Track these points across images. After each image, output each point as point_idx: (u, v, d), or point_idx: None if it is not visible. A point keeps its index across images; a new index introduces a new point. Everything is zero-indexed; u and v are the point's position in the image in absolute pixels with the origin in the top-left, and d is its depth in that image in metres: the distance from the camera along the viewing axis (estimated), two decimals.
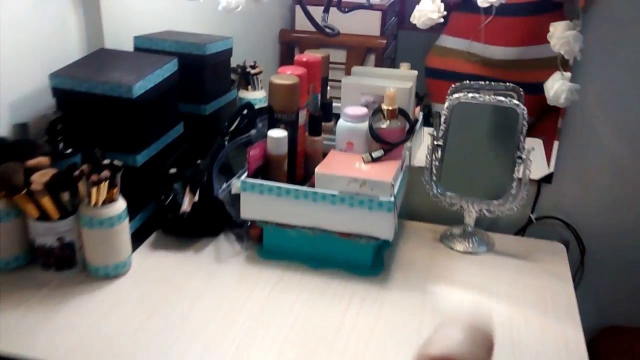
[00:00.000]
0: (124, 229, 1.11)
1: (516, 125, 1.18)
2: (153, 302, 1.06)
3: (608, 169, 1.34)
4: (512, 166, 1.20)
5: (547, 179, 1.35)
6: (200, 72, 1.37)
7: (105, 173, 1.05)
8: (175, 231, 1.27)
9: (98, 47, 1.33)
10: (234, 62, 1.50)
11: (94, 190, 1.05)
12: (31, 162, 1.08)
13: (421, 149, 1.39)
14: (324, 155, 1.24)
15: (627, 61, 1.24)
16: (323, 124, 1.29)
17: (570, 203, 1.38)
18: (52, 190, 1.06)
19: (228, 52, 1.46)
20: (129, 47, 1.36)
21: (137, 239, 1.23)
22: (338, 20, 1.36)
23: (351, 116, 1.22)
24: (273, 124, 1.21)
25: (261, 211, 1.17)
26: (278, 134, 1.18)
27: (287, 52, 1.59)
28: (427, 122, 1.44)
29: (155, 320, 1.02)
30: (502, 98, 1.18)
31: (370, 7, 1.47)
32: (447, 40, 1.43)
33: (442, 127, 1.23)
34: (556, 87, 1.18)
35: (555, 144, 1.33)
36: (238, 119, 1.34)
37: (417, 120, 1.29)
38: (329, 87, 1.43)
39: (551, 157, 1.34)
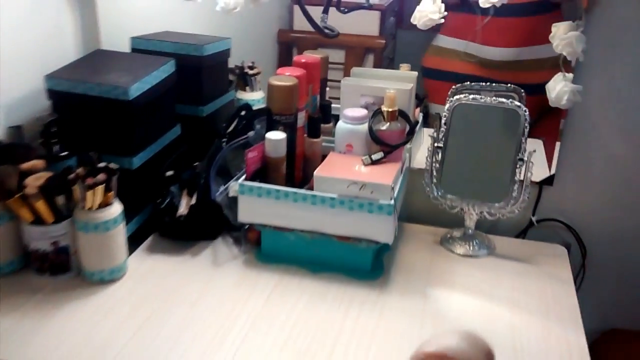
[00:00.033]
0: (120, 233, 1.10)
1: (517, 127, 1.16)
2: (149, 308, 1.05)
3: (610, 171, 1.33)
4: (514, 168, 1.19)
5: (549, 180, 1.34)
6: (197, 73, 1.36)
7: (101, 176, 1.04)
8: (172, 234, 1.25)
9: (94, 48, 1.32)
10: (232, 62, 1.49)
11: (89, 193, 1.04)
12: (25, 165, 1.07)
13: (421, 150, 1.38)
14: (323, 157, 1.23)
15: (630, 62, 1.23)
16: (322, 125, 1.28)
17: (572, 205, 1.37)
18: (47, 193, 1.04)
19: (226, 53, 1.45)
20: (126, 48, 1.35)
21: (133, 243, 1.21)
22: (336, 20, 1.35)
23: (351, 118, 1.20)
24: (271, 126, 1.20)
25: (259, 214, 1.16)
26: (276, 136, 1.16)
27: (285, 53, 1.58)
28: (424, 123, 1.42)
29: (152, 327, 1.01)
30: (503, 99, 1.17)
31: (370, 7, 1.46)
32: (443, 40, 1.42)
33: (443, 128, 1.21)
34: (558, 88, 1.16)
35: (557, 145, 1.32)
36: (236, 121, 1.32)
37: (417, 122, 1.28)
38: (327, 88, 1.41)
39: (553, 158, 1.33)
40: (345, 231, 1.13)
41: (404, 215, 1.37)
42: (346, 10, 1.36)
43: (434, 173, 1.24)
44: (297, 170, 1.27)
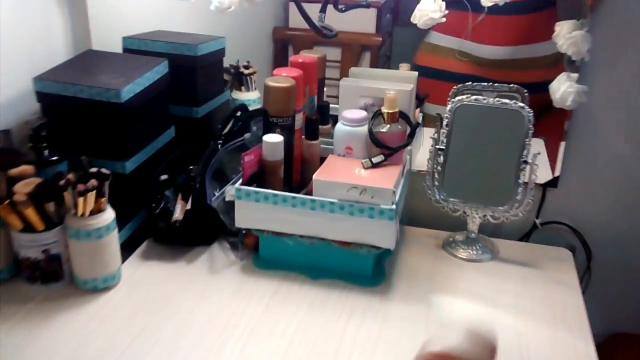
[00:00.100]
0: (113, 240, 1.07)
1: (521, 128, 1.14)
2: (144, 317, 1.02)
3: (616, 173, 1.31)
4: (517, 170, 1.16)
5: (553, 182, 1.32)
6: (192, 73, 1.33)
7: (93, 182, 1.01)
8: (167, 240, 1.22)
9: (85, 49, 1.29)
10: (226, 61, 1.46)
11: (80, 200, 1.01)
12: (14, 171, 1.04)
13: (421, 151, 1.35)
14: (322, 159, 1.20)
15: (637, 61, 1.21)
16: (320, 127, 1.25)
17: (576, 207, 1.35)
18: (37, 200, 1.01)
19: (221, 53, 1.42)
20: (118, 48, 1.32)
21: (127, 249, 1.19)
22: (333, 18, 1.33)
23: (350, 120, 1.17)
24: (268, 129, 1.17)
25: (257, 220, 1.13)
26: (274, 139, 1.13)
27: (281, 51, 1.56)
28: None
29: (148, 336, 0.98)
30: (506, 100, 1.14)
31: (368, 5, 1.43)
32: (437, 38, 1.39)
33: (444, 130, 1.18)
34: (563, 89, 1.14)
35: (560, 146, 1.30)
36: (231, 122, 1.30)
37: (418, 124, 1.25)
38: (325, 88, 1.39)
39: (557, 159, 1.31)
40: (346, 237, 1.10)
41: (405, 218, 1.34)
42: (344, 8, 1.33)
43: (436, 176, 1.22)
44: (295, 173, 1.24)
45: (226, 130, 1.28)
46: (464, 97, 1.16)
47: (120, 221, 1.10)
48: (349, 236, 1.10)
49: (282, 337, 0.99)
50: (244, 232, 1.20)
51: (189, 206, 1.20)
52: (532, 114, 1.12)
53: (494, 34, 1.33)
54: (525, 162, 1.15)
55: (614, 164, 1.30)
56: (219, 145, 1.24)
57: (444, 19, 1.17)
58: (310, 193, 1.11)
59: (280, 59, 1.55)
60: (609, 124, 1.27)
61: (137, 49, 1.31)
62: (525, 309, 1.09)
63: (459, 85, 1.22)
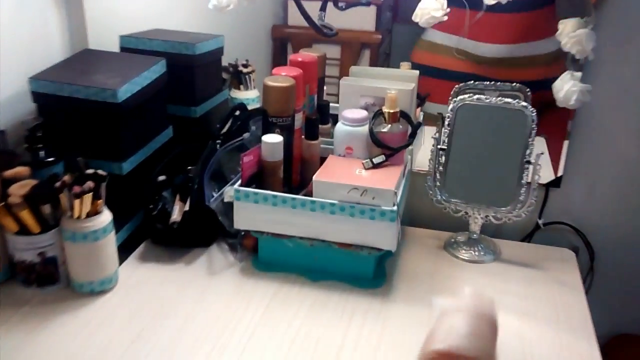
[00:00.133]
0: (110, 243, 1.05)
1: (524, 128, 1.12)
2: (141, 320, 1.01)
3: (620, 172, 1.30)
4: (521, 171, 1.15)
5: (556, 182, 1.31)
6: (190, 72, 1.32)
7: (89, 184, 0.99)
8: (165, 242, 1.21)
9: (82, 48, 1.27)
10: (225, 60, 1.45)
11: (76, 202, 0.99)
12: (9, 173, 1.02)
13: (421, 150, 1.33)
14: (322, 159, 1.19)
15: None
16: (320, 126, 1.24)
17: (579, 208, 1.34)
18: (32, 202, 1.00)
19: (219, 51, 1.40)
20: (115, 47, 1.31)
21: (125, 251, 1.17)
22: (332, 16, 1.31)
23: (350, 120, 1.16)
24: (268, 129, 1.15)
25: (256, 221, 1.12)
26: (273, 139, 1.12)
27: (279, 49, 1.54)
28: None
29: (145, 340, 0.97)
30: (509, 100, 1.12)
31: (368, 3, 1.41)
32: (434, 35, 1.36)
33: (446, 130, 1.17)
34: (566, 88, 1.12)
35: (564, 145, 1.29)
36: (230, 121, 1.28)
37: (420, 124, 1.23)
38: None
39: (560, 158, 1.30)
40: (346, 238, 1.08)
41: (406, 218, 1.33)
42: (344, 6, 1.31)
43: (437, 176, 1.20)
44: (294, 174, 1.23)
45: (225, 129, 1.27)
46: (466, 96, 1.15)
47: (118, 223, 1.09)
48: (350, 238, 1.08)
49: (282, 340, 0.98)
50: (242, 233, 1.18)
51: (187, 207, 1.18)
52: (535, 114, 1.11)
53: (492, 32, 1.31)
54: (529, 162, 1.13)
55: (618, 164, 1.29)
56: (218, 145, 1.22)
57: (445, 17, 1.16)
58: (310, 194, 1.09)
59: (279, 57, 1.53)
60: (613, 123, 1.25)
61: (134, 48, 1.30)
62: (529, 310, 1.07)
63: (461, 85, 1.21)
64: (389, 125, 1.14)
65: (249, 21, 1.50)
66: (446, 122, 1.17)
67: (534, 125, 1.11)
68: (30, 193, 0.99)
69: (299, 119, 1.20)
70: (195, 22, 1.44)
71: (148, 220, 1.20)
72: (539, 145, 1.22)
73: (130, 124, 1.15)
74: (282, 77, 1.15)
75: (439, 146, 1.18)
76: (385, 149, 1.13)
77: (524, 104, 1.12)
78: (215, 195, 1.18)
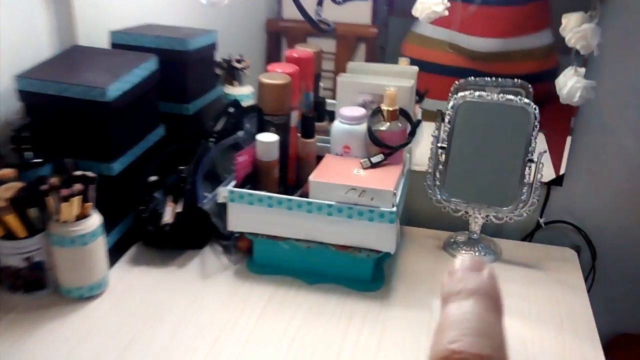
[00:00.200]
0: (99, 247, 1.02)
1: (527, 126, 1.09)
2: (133, 326, 0.98)
3: (623, 171, 1.27)
4: (522, 169, 1.12)
5: (558, 181, 1.28)
6: (182, 69, 1.28)
7: (77, 186, 0.96)
8: (157, 244, 1.18)
9: (70, 44, 1.24)
10: (218, 55, 1.41)
11: (64, 205, 0.96)
12: None
13: (420, 147, 1.30)
14: (318, 158, 1.16)
15: None
16: (316, 124, 1.21)
17: (581, 206, 1.32)
18: (18, 206, 0.97)
19: (212, 47, 1.37)
20: (105, 43, 1.27)
21: (115, 253, 1.14)
22: (327, 9, 1.29)
23: (348, 118, 1.13)
24: (262, 127, 1.12)
25: (250, 223, 1.09)
26: (268, 138, 1.09)
27: (274, 44, 1.50)
28: None
29: (136, 347, 0.94)
30: (511, 97, 1.09)
31: None
32: (425, 28, 1.33)
33: (446, 127, 1.14)
34: (570, 84, 1.10)
35: (567, 142, 1.26)
36: (224, 118, 1.25)
37: (419, 122, 1.20)
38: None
39: (562, 156, 1.27)
40: (344, 240, 1.06)
41: (405, 218, 1.31)
42: (341, 0, 1.28)
43: (437, 175, 1.17)
44: (290, 173, 1.20)
45: (219, 127, 1.23)
46: (467, 93, 1.12)
47: (108, 225, 1.06)
48: (348, 240, 1.05)
49: (278, 345, 0.95)
50: (237, 235, 1.15)
51: (179, 208, 1.15)
52: (537, 111, 1.08)
53: (485, 25, 1.28)
54: (531, 161, 1.11)
55: (621, 162, 1.26)
56: (211, 143, 1.19)
57: (447, 12, 1.13)
58: (306, 194, 1.06)
59: (273, 52, 1.50)
60: (616, 120, 1.23)
61: (125, 44, 1.26)
62: (531, 310, 1.06)
63: (461, 81, 1.18)
64: (388, 124, 1.11)
65: (243, 15, 1.46)
66: (446, 120, 1.13)
67: (536, 123, 1.09)
68: (16, 196, 0.96)
69: (294, 117, 1.17)
70: (188, 16, 1.41)
71: (139, 222, 1.17)
72: (539, 141, 1.19)
73: (121, 123, 1.12)
74: (278, 74, 1.12)
75: (438, 144, 1.15)
76: (384, 148, 1.11)
77: (527, 100, 1.09)
78: (208, 196, 1.15)
